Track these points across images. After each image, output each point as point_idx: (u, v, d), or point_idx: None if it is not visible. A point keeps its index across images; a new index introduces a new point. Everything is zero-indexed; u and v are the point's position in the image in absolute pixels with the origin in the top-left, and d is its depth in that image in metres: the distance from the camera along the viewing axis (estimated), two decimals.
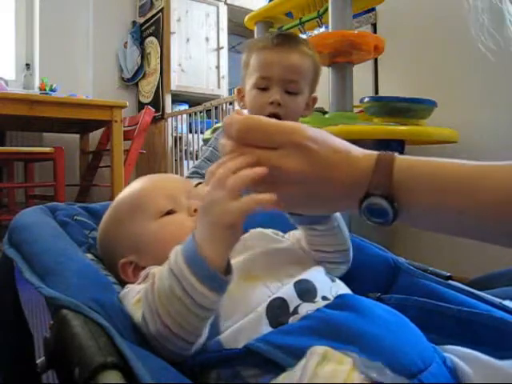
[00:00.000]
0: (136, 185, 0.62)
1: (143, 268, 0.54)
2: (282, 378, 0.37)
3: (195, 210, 0.57)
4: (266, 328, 0.42)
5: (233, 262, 0.51)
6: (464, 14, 0.50)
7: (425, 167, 0.38)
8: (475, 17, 0.51)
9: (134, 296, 0.45)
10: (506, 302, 0.49)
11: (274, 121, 0.39)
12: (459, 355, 0.42)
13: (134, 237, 0.56)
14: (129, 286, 0.51)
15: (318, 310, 0.43)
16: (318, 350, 0.35)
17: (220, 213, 0.38)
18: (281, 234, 0.60)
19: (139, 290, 0.46)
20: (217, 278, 0.38)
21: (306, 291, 0.46)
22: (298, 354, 0.38)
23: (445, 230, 0.41)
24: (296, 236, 0.59)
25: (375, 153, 0.39)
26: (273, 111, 0.92)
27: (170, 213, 0.57)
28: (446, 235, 0.40)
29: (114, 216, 0.61)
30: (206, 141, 1.92)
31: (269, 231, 0.60)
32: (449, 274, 0.56)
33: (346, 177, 0.38)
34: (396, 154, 0.39)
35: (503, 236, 0.37)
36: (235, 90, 1.06)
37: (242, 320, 0.44)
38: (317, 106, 1.07)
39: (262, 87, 0.94)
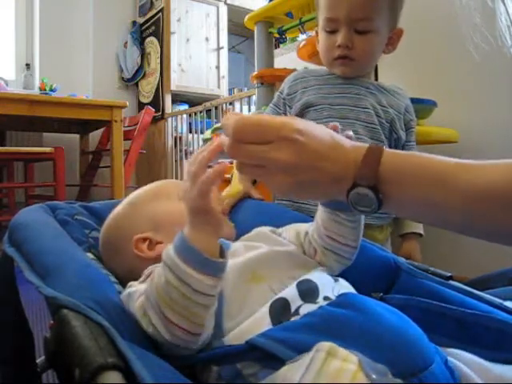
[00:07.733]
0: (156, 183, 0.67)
1: (158, 243, 0.56)
2: (283, 371, 0.37)
3: None
4: (268, 328, 0.43)
5: (238, 260, 0.52)
6: (457, 12, 0.50)
7: (410, 162, 0.41)
8: (467, 15, 0.52)
9: (137, 299, 0.45)
10: (507, 303, 0.49)
11: (265, 118, 0.42)
12: (461, 360, 0.42)
13: (156, 214, 0.59)
14: (131, 284, 0.50)
15: (320, 307, 0.43)
16: (324, 346, 0.36)
17: (190, 203, 0.41)
18: (278, 230, 0.61)
19: (141, 292, 0.45)
20: (209, 261, 0.40)
21: (308, 291, 0.46)
22: (300, 348, 0.38)
23: (427, 221, 0.44)
24: (296, 229, 0.59)
25: (365, 145, 0.42)
26: (341, 54, 0.88)
27: None
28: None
29: (134, 200, 0.64)
30: (205, 141, 1.91)
31: (267, 229, 0.61)
32: (449, 274, 0.56)
33: (332, 166, 0.41)
34: (385, 148, 0.42)
35: (493, 234, 0.38)
36: (315, 31, 0.99)
37: (247, 320, 0.44)
38: None
39: (330, 30, 0.89)
